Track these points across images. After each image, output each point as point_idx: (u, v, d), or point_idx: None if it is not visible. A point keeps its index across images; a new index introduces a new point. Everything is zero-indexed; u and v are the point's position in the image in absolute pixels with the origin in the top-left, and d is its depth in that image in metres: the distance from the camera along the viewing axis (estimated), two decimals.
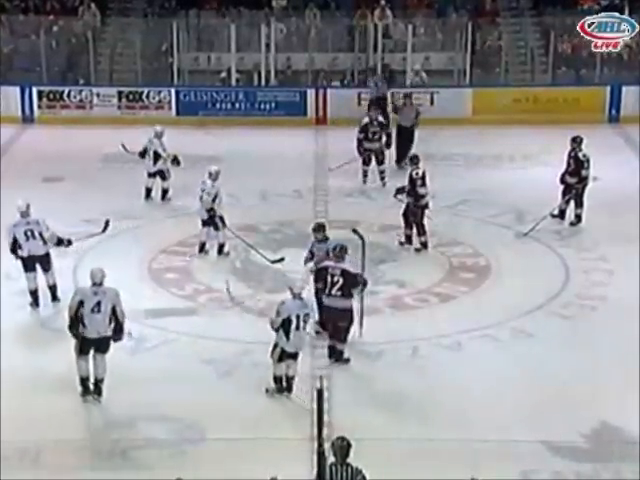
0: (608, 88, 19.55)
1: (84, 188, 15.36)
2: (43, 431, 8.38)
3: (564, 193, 13.86)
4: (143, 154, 14.89)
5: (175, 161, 14.77)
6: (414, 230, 12.72)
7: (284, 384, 9.14)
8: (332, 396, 8.77)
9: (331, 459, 6.68)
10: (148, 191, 14.85)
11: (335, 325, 9.70)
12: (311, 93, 19.79)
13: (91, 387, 9.03)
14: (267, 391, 9.14)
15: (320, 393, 6.98)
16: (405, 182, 12.83)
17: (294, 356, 9.11)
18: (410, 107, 16.91)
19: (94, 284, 9.07)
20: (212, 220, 12.53)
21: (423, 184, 12.65)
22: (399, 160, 16.17)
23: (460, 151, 17.61)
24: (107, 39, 21.31)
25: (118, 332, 9.07)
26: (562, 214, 13.86)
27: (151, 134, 14.84)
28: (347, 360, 9.77)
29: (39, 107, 19.80)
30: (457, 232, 13.46)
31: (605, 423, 8.62)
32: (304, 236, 12.61)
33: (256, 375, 9.58)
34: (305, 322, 8.97)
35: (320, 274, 9.81)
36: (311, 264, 10.39)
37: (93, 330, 8.90)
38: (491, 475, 7.49)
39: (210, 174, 12.86)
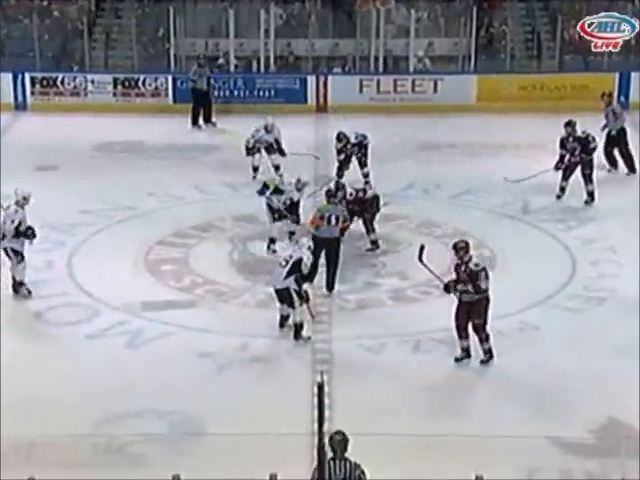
0: (617, 74, 19.52)
1: (79, 177, 15.36)
2: (37, 426, 8.40)
3: (565, 172, 14.04)
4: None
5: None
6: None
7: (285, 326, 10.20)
8: (333, 390, 8.79)
9: (330, 454, 6.70)
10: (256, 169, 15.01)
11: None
12: (311, 80, 19.78)
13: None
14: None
15: (321, 387, 7.00)
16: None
17: (282, 297, 9.92)
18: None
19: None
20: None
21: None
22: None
23: (464, 139, 17.59)
24: (102, 24, 21.29)
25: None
26: (562, 190, 14.14)
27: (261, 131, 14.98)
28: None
29: (32, 94, 19.78)
30: (461, 223, 13.45)
31: (613, 419, 8.63)
32: (305, 227, 12.63)
33: (255, 369, 9.61)
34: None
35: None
36: None
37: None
38: (496, 472, 7.49)
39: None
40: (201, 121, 18.51)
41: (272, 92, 19.76)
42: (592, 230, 13.24)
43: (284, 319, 10.25)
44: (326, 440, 6.61)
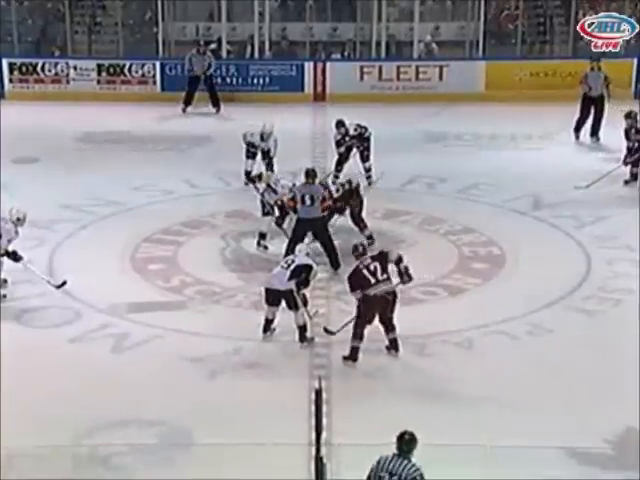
0: (635, 60, 19.54)
1: (60, 170, 15.38)
2: (16, 436, 8.39)
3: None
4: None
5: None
6: None
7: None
8: (331, 397, 8.78)
9: (394, 451, 6.69)
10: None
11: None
12: (309, 66, 19.80)
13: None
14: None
15: (318, 394, 7.00)
16: None
17: (284, 299, 9.97)
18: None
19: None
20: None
21: None
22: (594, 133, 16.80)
23: (472, 130, 17.62)
24: (85, 6, 21.28)
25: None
26: (635, 177, 14.46)
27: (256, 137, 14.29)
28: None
29: (10, 81, 19.79)
30: (469, 219, 13.46)
31: (631, 428, 8.63)
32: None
33: (249, 375, 9.60)
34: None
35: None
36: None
37: None
38: None
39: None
40: (189, 109, 18.71)
41: (267, 80, 19.78)
42: (607, 227, 13.23)
43: (269, 322, 10.24)
44: (325, 450, 6.60)
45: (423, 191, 14.80)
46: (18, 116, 18.13)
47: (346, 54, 20.89)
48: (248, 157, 14.44)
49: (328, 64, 19.94)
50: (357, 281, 9.67)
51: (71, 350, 10.10)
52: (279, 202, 12.30)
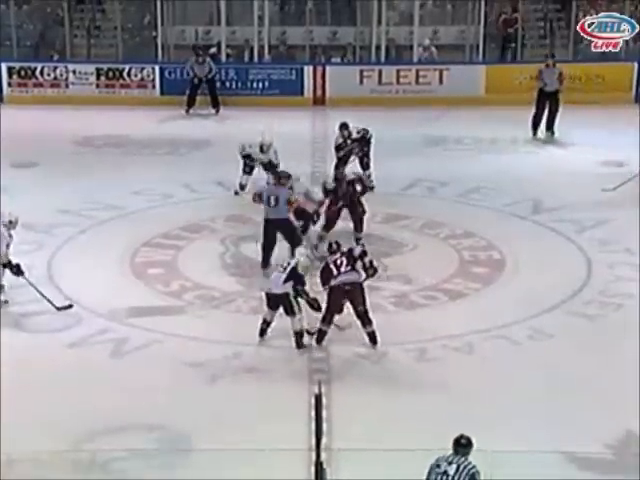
0: (636, 64, 19.56)
1: (59, 175, 15.38)
2: (15, 441, 8.38)
3: None
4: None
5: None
6: None
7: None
8: (331, 402, 8.79)
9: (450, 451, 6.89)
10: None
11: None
12: (308, 70, 19.82)
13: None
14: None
15: (318, 399, 7.00)
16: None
17: (281, 303, 10.03)
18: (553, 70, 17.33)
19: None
20: None
21: None
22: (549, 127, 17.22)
23: (472, 134, 17.64)
24: (84, 10, 21.32)
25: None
26: None
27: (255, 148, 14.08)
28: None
29: (9, 85, 19.80)
30: (469, 223, 13.47)
31: (631, 432, 8.63)
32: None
33: (249, 379, 9.61)
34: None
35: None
36: None
37: None
38: None
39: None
40: (191, 111, 18.89)
41: (266, 83, 19.81)
42: (608, 230, 13.24)
43: (267, 325, 10.28)
44: (325, 456, 6.61)
45: (423, 195, 14.81)
46: (17, 120, 18.14)
47: (346, 58, 20.93)
48: (245, 172, 14.24)
49: (328, 68, 19.97)
50: (325, 275, 10.11)
51: (70, 355, 10.10)
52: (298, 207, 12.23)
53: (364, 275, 10.20)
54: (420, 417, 8.91)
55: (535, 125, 17.42)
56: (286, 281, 10.06)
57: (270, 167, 13.93)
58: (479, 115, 18.31)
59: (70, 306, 10.89)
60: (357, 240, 12.36)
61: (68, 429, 8.64)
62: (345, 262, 10.07)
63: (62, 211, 13.75)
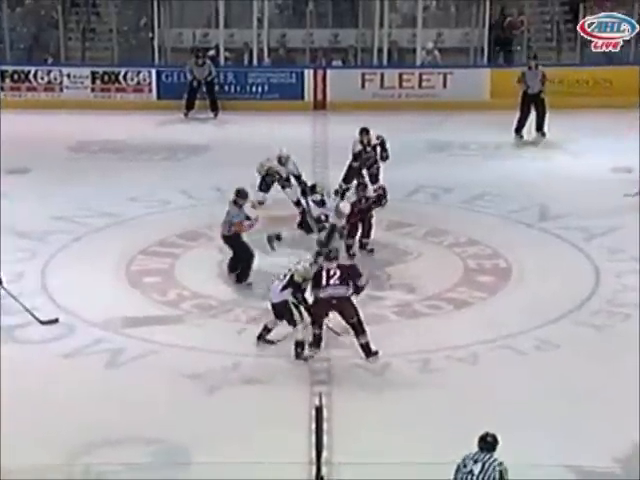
0: None
1: (53, 181, 15.42)
2: (7, 454, 8.40)
3: None
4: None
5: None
6: None
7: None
8: (332, 414, 8.81)
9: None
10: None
11: None
12: (309, 74, 19.87)
13: None
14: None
15: (319, 411, 7.03)
16: None
17: (280, 313, 10.14)
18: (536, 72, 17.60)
19: None
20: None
21: None
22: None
23: (477, 139, 17.67)
24: (79, 12, 21.36)
25: None
26: None
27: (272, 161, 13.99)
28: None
29: (1, 89, 19.85)
30: (474, 230, 13.50)
31: (638, 445, 8.65)
32: (302, 235, 12.66)
33: (248, 391, 9.63)
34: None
35: None
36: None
37: None
38: None
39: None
40: (190, 114, 19.02)
41: (265, 87, 19.85)
42: (617, 238, 13.25)
43: (267, 332, 10.37)
44: (325, 470, 6.62)
45: (427, 202, 14.84)
46: (10, 125, 18.13)
47: (347, 61, 20.94)
48: (262, 189, 14.05)
49: (328, 71, 20.01)
50: (315, 280, 10.13)
51: (65, 366, 10.12)
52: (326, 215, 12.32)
53: (352, 290, 10.17)
54: (423, 429, 8.93)
55: (519, 129, 17.68)
56: (283, 289, 10.11)
57: (287, 181, 13.91)
58: (484, 120, 18.34)
59: (56, 320, 10.82)
60: (364, 245, 12.52)
61: (63, 442, 8.65)
62: (338, 274, 10.04)
63: (56, 218, 13.77)
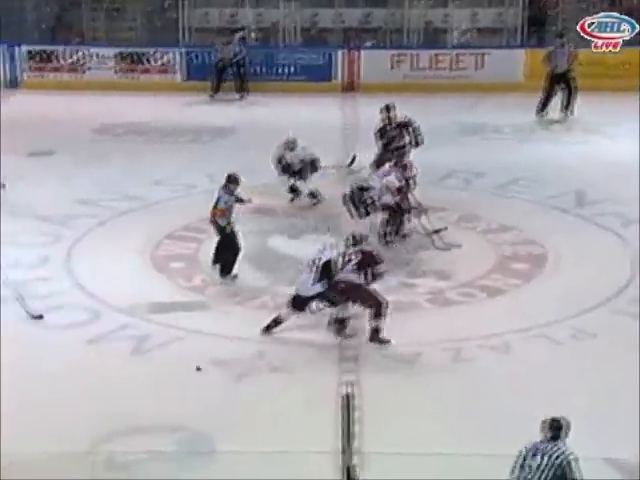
0: None
1: (77, 163, 15.48)
2: (33, 442, 8.46)
3: None
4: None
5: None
6: None
7: None
8: (362, 403, 8.79)
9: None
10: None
11: None
12: (339, 55, 19.78)
13: None
14: None
15: (348, 400, 7.01)
16: None
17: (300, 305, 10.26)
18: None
19: None
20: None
21: None
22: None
23: (511, 122, 17.57)
24: None
25: None
26: None
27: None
28: None
29: (26, 70, 19.90)
30: (507, 216, 13.44)
31: None
32: (329, 219, 12.65)
33: (274, 379, 9.63)
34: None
35: None
36: None
37: None
38: None
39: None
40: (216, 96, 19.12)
41: (293, 68, 19.82)
42: None
43: (277, 323, 10.34)
44: (356, 459, 6.61)
45: (459, 187, 14.79)
46: (33, 106, 18.30)
47: (378, 42, 20.85)
48: (290, 175, 13.84)
49: (359, 52, 19.91)
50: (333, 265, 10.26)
51: (89, 352, 10.18)
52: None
53: (364, 278, 10.22)
54: (455, 419, 8.90)
55: (542, 108, 17.75)
56: (315, 283, 10.09)
57: (289, 166, 13.73)
58: (518, 102, 18.23)
59: (40, 316, 10.68)
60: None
61: (86, 429, 8.70)
62: (354, 260, 10.16)
63: (80, 202, 13.83)
